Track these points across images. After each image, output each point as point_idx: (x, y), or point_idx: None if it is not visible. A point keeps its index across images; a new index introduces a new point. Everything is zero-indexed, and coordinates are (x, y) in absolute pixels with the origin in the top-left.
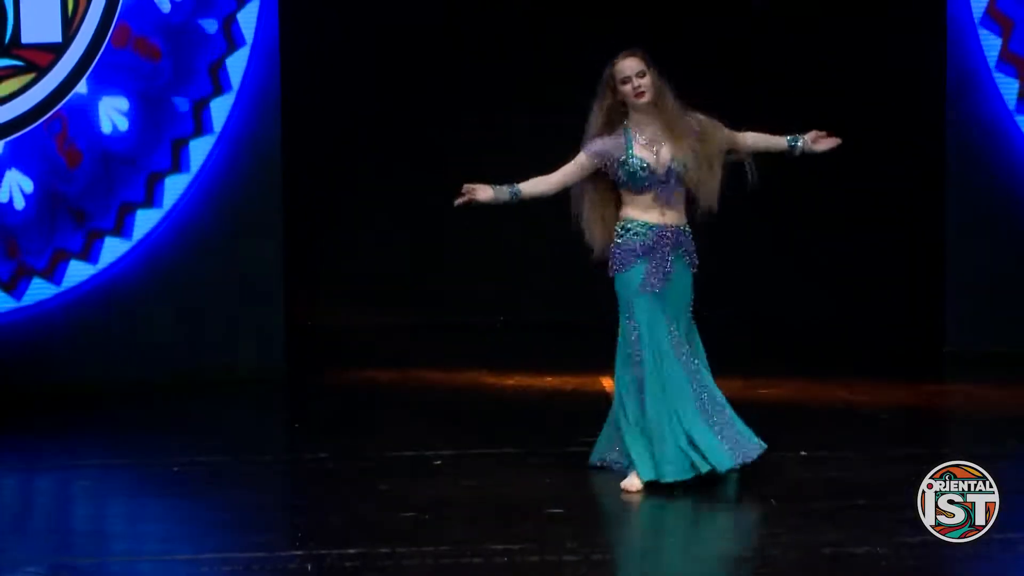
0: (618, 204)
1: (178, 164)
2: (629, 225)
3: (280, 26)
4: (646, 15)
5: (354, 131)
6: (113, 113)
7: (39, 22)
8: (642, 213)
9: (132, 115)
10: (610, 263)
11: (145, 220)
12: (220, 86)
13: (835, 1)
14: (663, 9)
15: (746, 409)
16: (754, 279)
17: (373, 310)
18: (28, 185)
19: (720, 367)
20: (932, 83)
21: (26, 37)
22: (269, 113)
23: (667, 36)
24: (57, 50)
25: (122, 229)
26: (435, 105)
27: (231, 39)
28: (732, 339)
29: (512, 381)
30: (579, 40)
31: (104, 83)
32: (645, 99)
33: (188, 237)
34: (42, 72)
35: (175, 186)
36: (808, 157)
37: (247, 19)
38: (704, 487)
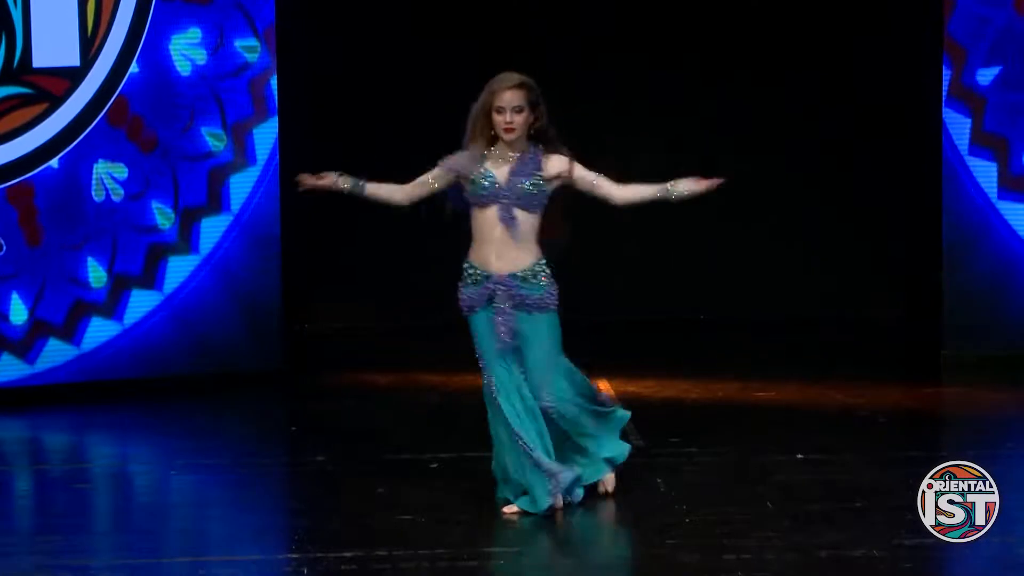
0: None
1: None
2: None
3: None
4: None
5: (354, 129)
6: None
7: (53, 42)
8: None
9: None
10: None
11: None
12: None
13: None
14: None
15: (744, 411)
16: (753, 281)
17: (371, 312)
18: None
19: (718, 369)
20: (934, 57)
21: (38, 60)
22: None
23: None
24: (74, 76)
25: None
26: (435, 107)
27: None
28: (730, 341)
29: None
30: (579, 45)
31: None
32: (511, 137)
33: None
34: (57, 102)
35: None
36: (811, 157)
37: None
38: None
